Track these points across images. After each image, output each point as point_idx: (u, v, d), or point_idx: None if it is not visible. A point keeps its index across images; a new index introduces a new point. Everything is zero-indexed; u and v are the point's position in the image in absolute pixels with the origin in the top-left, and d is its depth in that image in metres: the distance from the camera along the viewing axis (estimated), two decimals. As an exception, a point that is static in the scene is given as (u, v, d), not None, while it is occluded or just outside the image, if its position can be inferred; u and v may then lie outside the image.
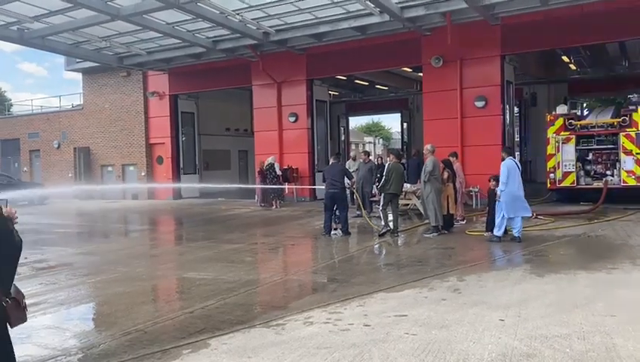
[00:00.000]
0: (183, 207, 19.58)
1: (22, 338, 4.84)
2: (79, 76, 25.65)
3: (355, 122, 60.27)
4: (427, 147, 11.06)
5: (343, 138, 29.06)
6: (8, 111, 40.82)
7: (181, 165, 22.90)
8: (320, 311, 5.57)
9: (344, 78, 22.99)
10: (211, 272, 7.89)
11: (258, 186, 17.70)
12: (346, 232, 10.93)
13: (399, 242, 10.46)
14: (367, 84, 25.60)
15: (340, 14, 15.27)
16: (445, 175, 10.94)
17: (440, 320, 5.13)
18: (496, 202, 9.54)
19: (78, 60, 22.65)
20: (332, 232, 10.93)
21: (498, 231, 9.51)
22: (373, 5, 13.84)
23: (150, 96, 22.61)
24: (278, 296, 6.70)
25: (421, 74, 18.25)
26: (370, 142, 66.77)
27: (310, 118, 19.07)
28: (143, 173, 22.98)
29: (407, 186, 13.42)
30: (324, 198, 11.40)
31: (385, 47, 16.68)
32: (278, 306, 5.96)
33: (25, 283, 7.81)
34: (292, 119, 18.97)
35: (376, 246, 10.21)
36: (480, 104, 15.43)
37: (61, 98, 32.37)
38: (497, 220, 9.53)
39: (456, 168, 11.92)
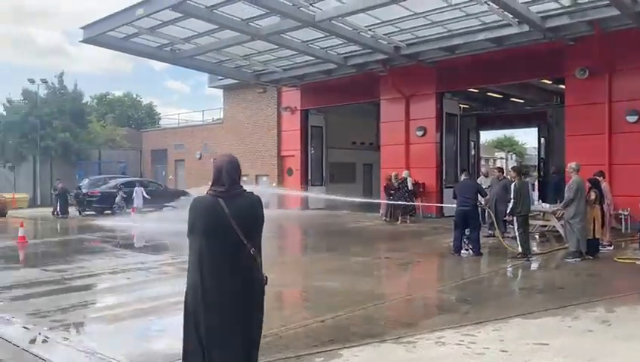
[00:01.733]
0: (309, 217, 20.14)
1: (159, 333, 5.28)
2: (219, 92, 27.69)
3: (486, 136, 57.83)
4: (571, 165, 10.25)
5: (472, 153, 28.00)
6: (158, 124, 45.23)
7: (309, 177, 23.64)
8: (452, 332, 5.38)
9: (476, 90, 22.23)
10: (339, 283, 7.99)
11: (395, 202, 17.43)
12: (477, 252, 10.46)
13: (535, 266, 9.79)
14: (500, 96, 24.48)
15: (475, 26, 14.85)
16: (592, 195, 10.04)
17: (586, 352, 4.70)
18: None
19: (220, 78, 24.47)
20: (462, 251, 10.53)
21: None
22: (511, 16, 13.27)
23: (283, 111, 23.70)
24: (407, 313, 6.59)
25: (562, 86, 17.04)
26: (501, 158, 63.66)
27: (439, 132, 18.68)
28: (274, 184, 24.07)
29: (545, 206, 12.58)
30: (454, 216, 11.04)
31: (522, 58, 15.86)
32: (408, 323, 5.85)
33: (171, 282, 8.50)
34: (420, 133, 18.73)
35: (510, 268, 9.63)
36: (633, 119, 14.00)
37: (204, 113, 35.00)
38: None
39: (604, 188, 10.89)
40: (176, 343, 4.90)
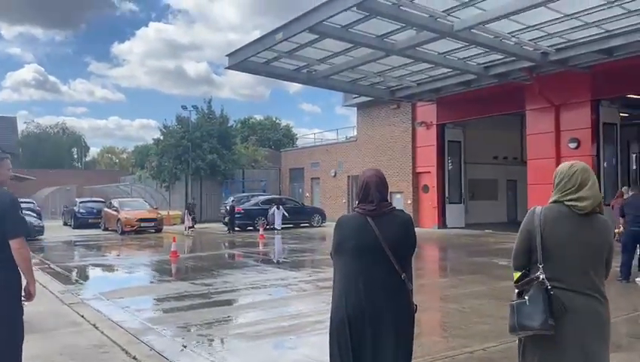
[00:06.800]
0: (448, 237, 19.24)
1: (299, 353, 5.07)
2: (349, 111, 28.06)
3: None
4: None
5: (634, 167, 24.93)
6: (295, 144, 47.05)
7: (446, 194, 22.72)
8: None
9: (638, 96, 19.77)
10: (487, 310, 7.30)
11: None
12: (651, 279, 9.02)
13: None
14: (668, 102, 21.51)
15: (638, 24, 13.17)
16: None
17: None
18: None
19: (354, 96, 24.63)
20: (637, 279, 9.12)
21: None
22: (685, 7, 11.54)
23: (418, 126, 23.13)
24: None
25: None
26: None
27: (595, 143, 16.83)
28: (409, 202, 23.47)
29: None
30: (622, 237, 9.65)
31: (699, 56, 13.74)
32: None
33: (309, 299, 8.45)
34: (572, 145, 17.02)
35: (697, 300, 8.14)
36: None
37: (338, 131, 35.60)
38: None
39: None
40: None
